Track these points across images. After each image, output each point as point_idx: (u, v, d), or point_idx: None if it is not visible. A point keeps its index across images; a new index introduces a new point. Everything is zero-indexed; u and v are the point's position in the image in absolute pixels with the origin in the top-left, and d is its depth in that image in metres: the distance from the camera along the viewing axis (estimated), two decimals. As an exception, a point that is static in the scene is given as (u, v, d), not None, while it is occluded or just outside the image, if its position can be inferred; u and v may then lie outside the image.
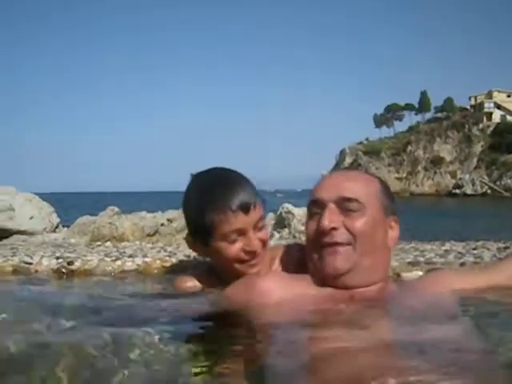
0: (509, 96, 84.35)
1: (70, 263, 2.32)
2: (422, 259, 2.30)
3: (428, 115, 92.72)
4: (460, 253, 2.47)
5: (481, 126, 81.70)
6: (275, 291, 1.46)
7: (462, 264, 2.23)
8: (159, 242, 3.17)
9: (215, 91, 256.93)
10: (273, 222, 3.92)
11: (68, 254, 2.47)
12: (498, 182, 71.27)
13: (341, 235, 1.47)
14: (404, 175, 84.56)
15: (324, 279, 1.49)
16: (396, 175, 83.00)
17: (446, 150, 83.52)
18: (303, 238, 1.65)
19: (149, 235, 3.45)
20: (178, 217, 3.67)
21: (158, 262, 2.35)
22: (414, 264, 2.22)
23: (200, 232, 1.63)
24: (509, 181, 69.66)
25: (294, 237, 3.58)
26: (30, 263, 2.34)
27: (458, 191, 71.64)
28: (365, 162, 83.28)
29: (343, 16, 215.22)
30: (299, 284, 1.50)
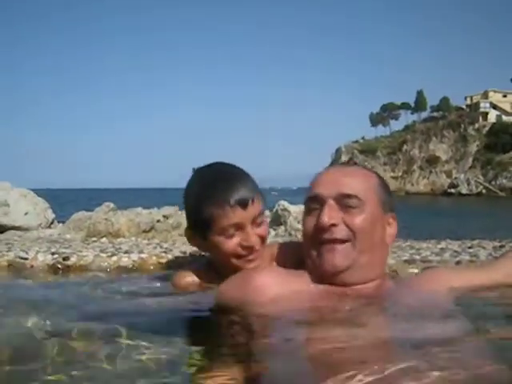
0: (505, 96, 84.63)
1: (66, 259, 2.31)
2: (417, 257, 2.30)
3: (424, 114, 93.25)
4: (456, 251, 2.47)
5: (476, 125, 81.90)
6: (271, 287, 1.44)
7: (458, 262, 2.23)
8: (155, 239, 3.17)
9: (215, 91, 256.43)
10: (269, 219, 3.92)
11: (63, 250, 2.46)
12: (493, 182, 71.44)
13: (340, 232, 1.46)
14: (399, 174, 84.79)
15: (322, 276, 1.48)
16: (391, 174, 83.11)
17: (441, 149, 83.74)
18: (299, 236, 1.64)
19: (144, 231, 3.45)
20: (173, 213, 3.67)
21: (154, 258, 2.35)
22: (410, 262, 2.22)
23: (199, 226, 1.65)
24: (504, 181, 69.85)
25: (290, 234, 3.58)
26: (26, 258, 2.33)
27: (453, 191, 71.78)
28: (360, 161, 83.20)
29: (342, 16, 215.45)
30: (296, 280, 1.49)
